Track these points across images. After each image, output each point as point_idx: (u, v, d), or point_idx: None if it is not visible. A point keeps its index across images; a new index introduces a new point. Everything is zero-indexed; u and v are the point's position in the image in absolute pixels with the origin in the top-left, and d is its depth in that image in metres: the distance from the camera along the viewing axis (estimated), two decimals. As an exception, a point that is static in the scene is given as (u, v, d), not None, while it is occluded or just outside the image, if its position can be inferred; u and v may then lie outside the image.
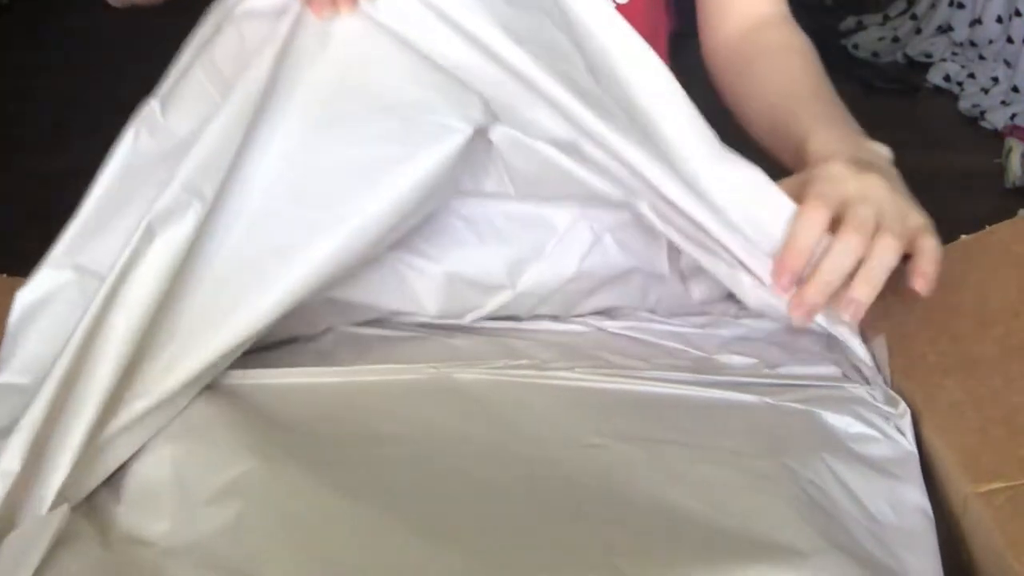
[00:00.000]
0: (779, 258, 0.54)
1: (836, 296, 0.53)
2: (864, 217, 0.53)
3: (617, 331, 0.61)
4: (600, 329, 0.61)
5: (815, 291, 0.53)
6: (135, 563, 0.42)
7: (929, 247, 0.54)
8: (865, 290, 0.52)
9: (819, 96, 0.71)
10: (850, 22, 3.25)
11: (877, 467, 0.48)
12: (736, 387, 0.53)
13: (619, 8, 0.74)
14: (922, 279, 0.54)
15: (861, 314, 0.53)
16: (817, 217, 0.53)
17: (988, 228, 0.59)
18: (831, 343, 0.58)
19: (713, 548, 0.42)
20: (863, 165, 0.57)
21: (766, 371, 0.56)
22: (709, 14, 0.80)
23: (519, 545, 0.42)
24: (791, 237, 0.53)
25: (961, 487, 0.47)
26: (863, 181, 0.56)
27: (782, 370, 0.56)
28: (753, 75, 0.76)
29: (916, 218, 0.56)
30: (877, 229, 0.53)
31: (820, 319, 0.56)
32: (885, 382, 0.55)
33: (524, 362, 0.55)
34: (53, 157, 2.52)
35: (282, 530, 0.42)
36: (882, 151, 0.62)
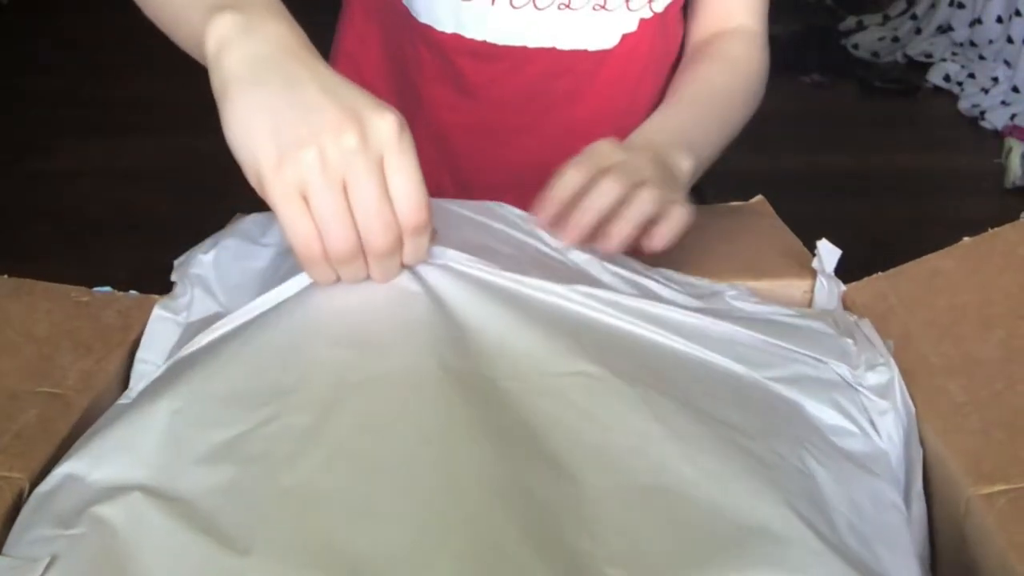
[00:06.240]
0: (539, 207, 0.60)
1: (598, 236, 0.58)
2: (623, 172, 0.59)
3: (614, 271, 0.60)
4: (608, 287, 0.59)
5: (575, 220, 0.58)
6: (108, 506, 0.41)
7: (677, 214, 0.59)
8: (619, 224, 0.57)
9: (702, 103, 0.74)
10: (850, 22, 3.25)
11: (855, 461, 0.48)
12: (732, 319, 0.54)
13: (643, 22, 0.76)
14: (657, 238, 0.59)
15: (614, 246, 0.58)
16: (569, 176, 0.59)
17: (991, 231, 0.58)
18: (839, 334, 0.57)
19: (700, 528, 0.40)
20: (639, 149, 0.63)
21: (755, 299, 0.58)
22: (691, 17, 0.82)
23: (507, 518, 0.39)
24: (548, 193, 0.60)
25: (963, 489, 0.47)
26: (630, 155, 0.62)
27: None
28: (684, 71, 0.79)
29: (675, 195, 0.61)
30: (637, 186, 0.59)
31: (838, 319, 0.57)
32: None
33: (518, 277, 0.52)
34: (53, 157, 2.52)
35: (275, 503, 0.41)
36: (683, 165, 0.65)
